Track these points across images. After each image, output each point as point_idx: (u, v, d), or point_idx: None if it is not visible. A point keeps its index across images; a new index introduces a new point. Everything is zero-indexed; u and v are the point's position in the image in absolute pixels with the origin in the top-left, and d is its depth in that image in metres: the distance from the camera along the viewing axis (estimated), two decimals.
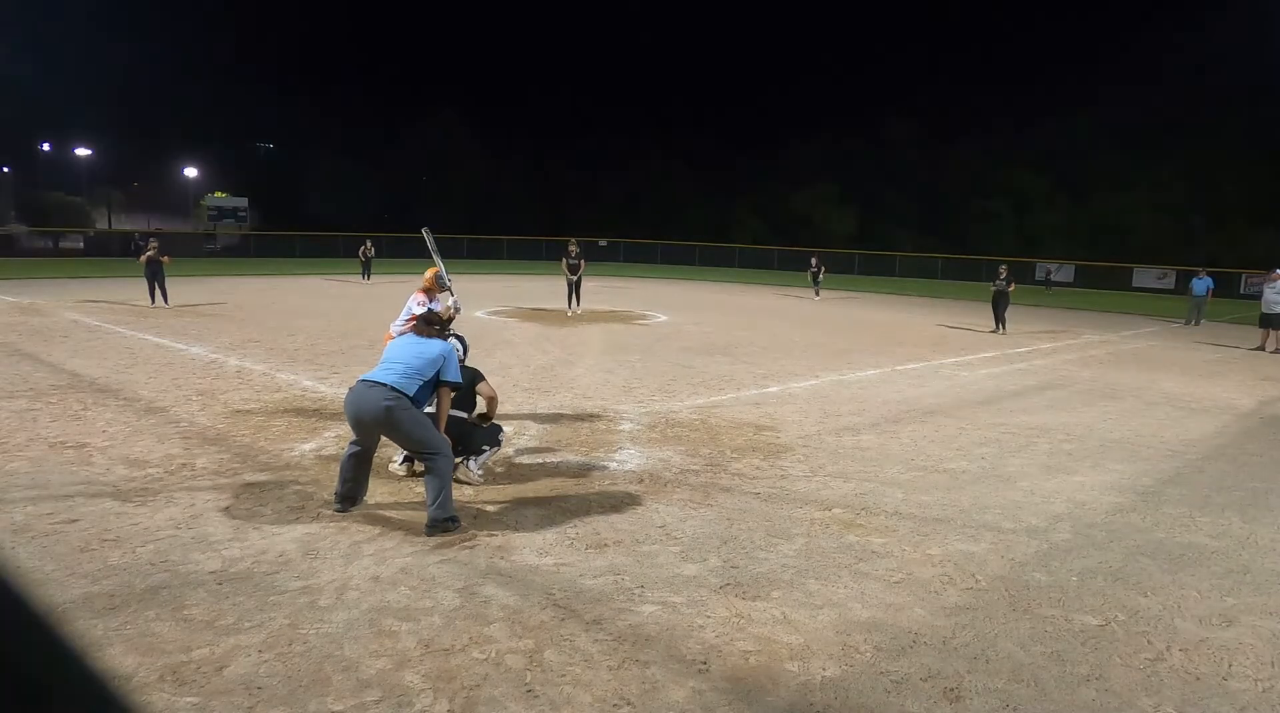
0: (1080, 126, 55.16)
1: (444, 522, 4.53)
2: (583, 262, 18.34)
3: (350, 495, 4.84)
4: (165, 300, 16.20)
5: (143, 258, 16.38)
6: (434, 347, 4.90)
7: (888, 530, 4.89)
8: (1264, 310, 16.07)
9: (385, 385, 4.58)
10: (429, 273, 6.88)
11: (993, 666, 3.35)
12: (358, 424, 4.68)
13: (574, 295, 18.13)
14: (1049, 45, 64.72)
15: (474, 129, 70.54)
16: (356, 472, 4.81)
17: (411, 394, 4.65)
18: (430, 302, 6.74)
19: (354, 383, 4.79)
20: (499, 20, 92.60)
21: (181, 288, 19.11)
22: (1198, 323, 21.28)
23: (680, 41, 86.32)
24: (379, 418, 4.54)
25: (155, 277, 16.15)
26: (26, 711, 0.40)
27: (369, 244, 27.19)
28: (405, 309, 6.69)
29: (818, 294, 26.15)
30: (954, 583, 4.16)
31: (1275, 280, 15.83)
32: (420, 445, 4.64)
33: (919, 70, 68.48)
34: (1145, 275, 42.23)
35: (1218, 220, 48.81)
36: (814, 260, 26.76)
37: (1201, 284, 21.35)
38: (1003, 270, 17.39)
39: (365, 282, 25.86)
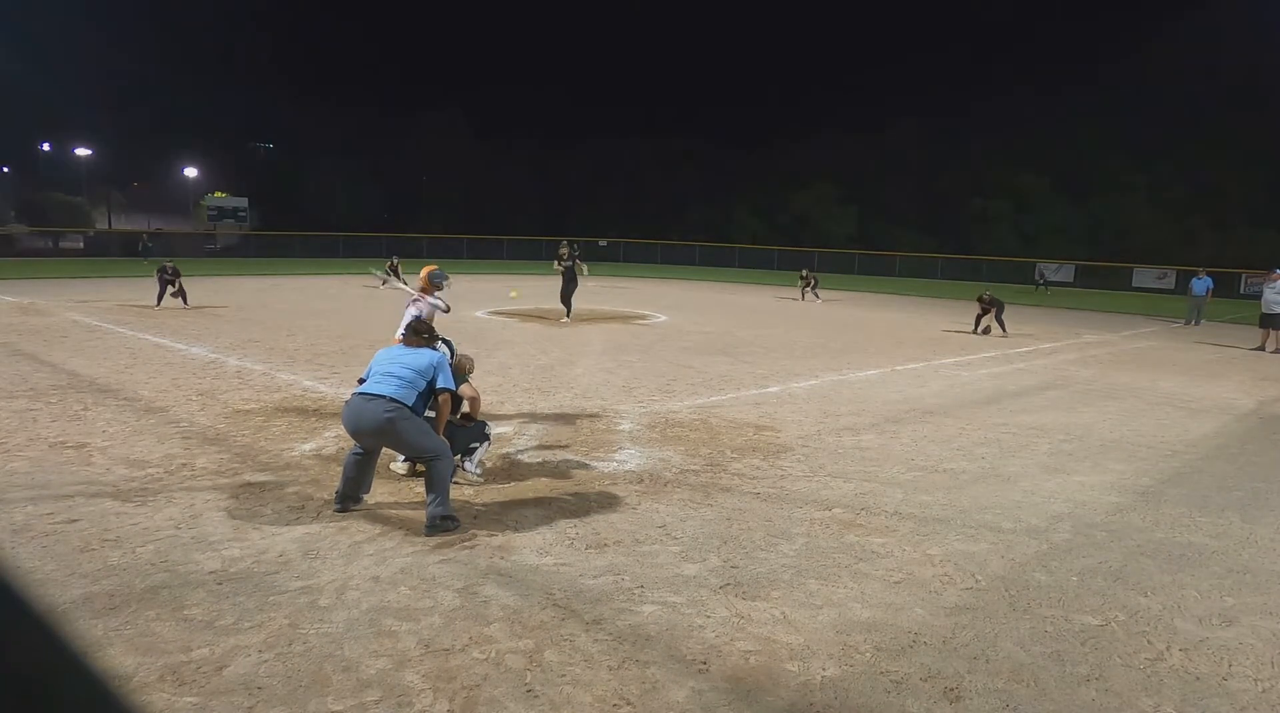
0: (1080, 127, 55.20)
1: (444, 521, 4.54)
2: (576, 261, 16.42)
3: (351, 495, 4.86)
4: (185, 302, 16.61)
5: (162, 276, 16.78)
6: (423, 357, 4.90)
7: (888, 531, 4.89)
8: (1264, 310, 16.07)
9: (384, 397, 4.59)
10: (423, 272, 6.93)
11: (993, 666, 3.35)
12: (358, 437, 4.71)
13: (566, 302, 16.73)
14: (1049, 45, 64.80)
15: (474, 129, 70.70)
16: (360, 472, 4.83)
17: (410, 405, 4.66)
18: (429, 298, 6.79)
19: (349, 396, 4.81)
20: (499, 20, 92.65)
21: None
22: (1198, 323, 21.27)
23: (681, 41, 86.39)
24: (380, 429, 4.58)
25: (173, 283, 16.64)
26: (26, 711, 0.40)
27: (395, 261, 26.88)
28: (406, 313, 6.73)
29: (803, 297, 25.81)
30: (954, 583, 4.16)
31: (1275, 280, 15.83)
32: (422, 451, 4.68)
33: (920, 70, 68.53)
34: (1145, 275, 42.27)
35: (1218, 220, 48.83)
36: (804, 272, 26.62)
37: (1201, 284, 21.34)
38: (985, 296, 16.73)
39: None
